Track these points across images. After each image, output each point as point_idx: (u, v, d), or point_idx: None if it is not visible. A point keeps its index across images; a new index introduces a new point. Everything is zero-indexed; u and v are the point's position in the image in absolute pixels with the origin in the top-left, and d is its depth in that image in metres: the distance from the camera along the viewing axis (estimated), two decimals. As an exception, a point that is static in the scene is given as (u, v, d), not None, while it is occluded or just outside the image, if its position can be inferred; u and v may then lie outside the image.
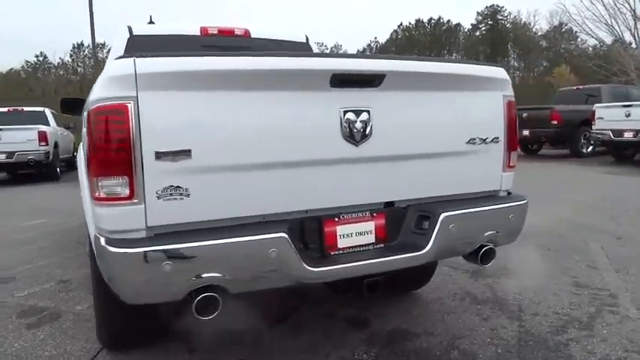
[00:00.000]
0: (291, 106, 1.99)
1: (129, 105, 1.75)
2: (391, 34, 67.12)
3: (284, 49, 4.01)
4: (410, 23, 66.50)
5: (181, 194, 1.84)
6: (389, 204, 2.30)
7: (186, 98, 1.82)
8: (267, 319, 3.08)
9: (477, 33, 65.07)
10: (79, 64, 56.19)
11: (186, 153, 1.82)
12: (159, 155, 1.79)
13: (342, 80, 2.03)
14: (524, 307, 3.29)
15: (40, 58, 54.30)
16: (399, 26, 66.79)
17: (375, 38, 71.64)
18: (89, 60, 50.14)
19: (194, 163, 1.83)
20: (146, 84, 1.77)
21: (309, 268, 1.96)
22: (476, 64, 2.43)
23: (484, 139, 2.40)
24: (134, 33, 3.69)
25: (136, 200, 1.79)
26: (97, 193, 1.81)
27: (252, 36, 4.03)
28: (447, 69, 2.30)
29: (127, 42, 3.65)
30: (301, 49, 4.19)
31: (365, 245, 2.22)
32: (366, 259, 2.13)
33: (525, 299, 3.41)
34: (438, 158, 2.32)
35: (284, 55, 1.97)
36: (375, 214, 2.24)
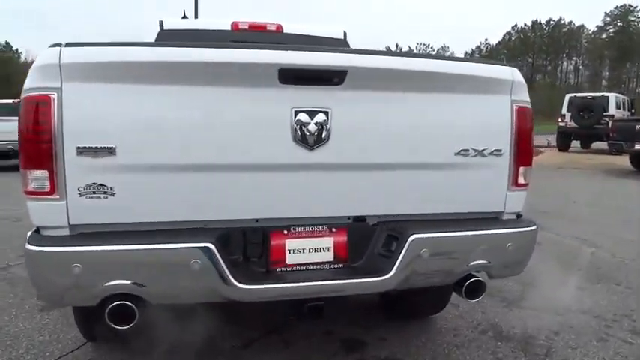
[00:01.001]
0: (233, 103, 1.80)
1: (52, 96, 1.68)
2: (504, 35, 63.69)
3: (317, 43, 3.80)
4: (525, 25, 62.58)
5: (105, 193, 1.74)
6: (359, 219, 2.02)
7: (114, 92, 1.71)
8: (257, 328, 2.92)
9: (604, 36, 59.39)
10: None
11: (109, 150, 1.71)
12: (80, 151, 1.69)
13: (296, 77, 1.80)
14: (553, 351, 2.78)
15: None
16: (513, 27, 63.13)
17: (486, 40, 68.46)
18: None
19: (118, 161, 1.72)
20: (71, 75, 1.68)
21: (238, 285, 1.75)
22: (477, 61, 2.05)
23: (480, 151, 2.02)
24: (164, 28, 3.70)
25: (57, 196, 1.72)
26: (25, 186, 1.76)
27: (285, 31, 3.87)
28: (432, 67, 1.95)
29: (157, 37, 3.68)
30: (336, 44, 3.94)
31: (320, 263, 1.97)
32: (315, 280, 1.88)
33: (560, 341, 2.89)
34: (417, 170, 1.99)
35: (222, 46, 1.78)
36: (334, 230, 1.98)
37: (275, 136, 1.81)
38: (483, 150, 2.03)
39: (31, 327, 3.01)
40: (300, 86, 1.82)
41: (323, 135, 1.84)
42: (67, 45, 1.69)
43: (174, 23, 3.72)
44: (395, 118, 1.94)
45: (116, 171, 1.73)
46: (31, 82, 1.70)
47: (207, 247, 1.72)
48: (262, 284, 1.81)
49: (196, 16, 15.37)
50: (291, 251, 1.93)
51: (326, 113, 1.84)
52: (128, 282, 1.70)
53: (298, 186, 1.88)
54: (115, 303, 1.70)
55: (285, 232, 1.93)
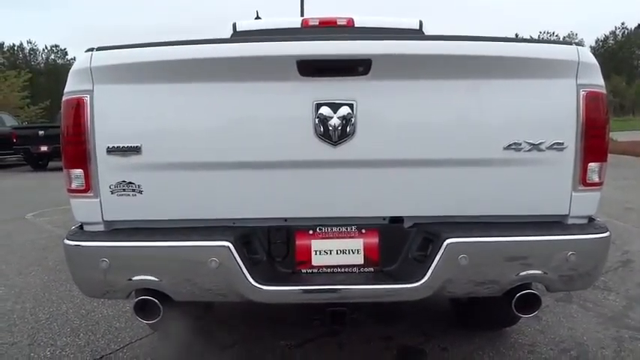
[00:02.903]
0: (252, 98, 1.75)
1: (85, 99, 1.77)
2: (645, 17, 56.54)
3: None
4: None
5: (134, 190, 1.79)
6: (395, 220, 1.87)
7: (137, 92, 1.76)
8: (315, 329, 2.86)
9: None
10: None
11: (135, 149, 1.75)
12: (110, 150, 1.76)
13: (317, 68, 1.70)
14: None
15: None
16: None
17: (623, 24, 61.39)
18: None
19: (144, 159, 1.76)
20: (101, 77, 1.75)
21: (257, 285, 1.70)
22: (530, 41, 1.78)
23: (536, 145, 1.75)
24: (237, 29, 3.79)
25: (91, 194, 1.81)
26: (67, 185, 1.88)
27: (356, 25, 3.75)
28: (469, 50, 1.72)
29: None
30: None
31: (349, 266, 1.84)
32: (340, 284, 1.76)
33: (663, 371, 2.43)
34: (458, 167, 1.78)
35: (238, 41, 1.74)
36: (364, 231, 1.84)
37: (296, 132, 1.73)
38: (540, 143, 1.75)
39: (112, 314, 3.25)
40: (322, 78, 1.72)
41: (348, 129, 1.72)
42: (98, 49, 1.77)
43: (246, 25, 3.79)
44: (429, 110, 1.75)
45: (143, 169, 1.77)
46: (68, 86, 1.80)
47: (225, 246, 1.69)
48: (282, 286, 1.74)
49: (302, 14, 15.73)
50: (318, 252, 1.84)
51: (350, 106, 1.72)
52: (152, 278, 1.73)
53: (322, 184, 1.78)
54: (140, 297, 1.75)
55: (311, 232, 1.84)
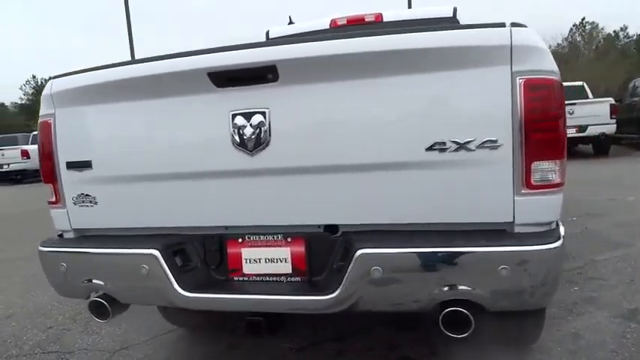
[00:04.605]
0: (178, 113, 1.82)
1: (50, 121, 2.00)
2: None
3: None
4: None
5: (90, 202, 1.98)
6: (330, 228, 1.80)
7: (85, 112, 1.94)
8: (321, 334, 2.85)
9: None
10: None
11: (87, 164, 1.94)
12: (69, 165, 1.98)
13: (229, 79, 1.72)
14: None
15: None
16: None
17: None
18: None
19: (94, 173, 1.94)
20: (60, 102, 1.97)
21: (181, 292, 1.78)
22: (451, 28, 1.59)
23: (463, 144, 1.56)
24: (270, 36, 3.88)
25: (60, 205, 2.04)
26: (47, 197, 2.14)
27: (385, 20, 3.62)
28: (378, 45, 1.59)
29: (264, 46, 3.88)
30: (444, 24, 3.47)
31: (277, 275, 1.82)
32: (260, 293, 1.76)
33: None
34: (381, 172, 1.66)
35: (150, 60, 1.80)
36: (290, 240, 1.80)
37: (216, 143, 1.77)
38: (468, 142, 1.56)
39: (151, 307, 3.55)
40: (236, 88, 1.73)
41: (262, 138, 1.71)
42: (56, 77, 1.99)
43: (278, 31, 3.87)
44: (342, 113, 1.66)
45: (95, 182, 1.95)
46: (41, 111, 2.05)
47: (152, 254, 1.79)
48: (204, 294, 1.79)
49: (410, 6, 15.37)
50: (248, 260, 1.85)
51: (263, 114, 1.70)
52: (99, 282, 1.90)
53: (245, 193, 1.79)
54: (92, 299, 1.93)
55: (241, 240, 1.85)
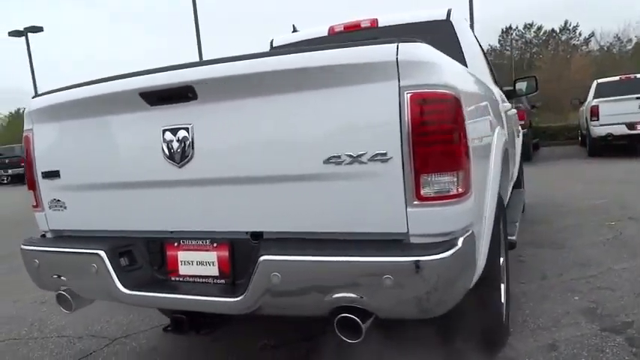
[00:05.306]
0: (121, 128, 2.04)
1: (30, 135, 2.29)
2: None
3: (415, 31, 3.42)
4: None
5: (61, 206, 2.25)
6: (255, 235, 1.93)
7: (54, 127, 2.21)
8: (303, 333, 2.96)
9: None
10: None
11: (56, 173, 2.21)
12: (43, 175, 2.26)
13: (159, 97, 1.90)
14: None
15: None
16: None
17: None
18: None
19: (62, 181, 2.21)
20: (37, 118, 2.26)
21: (122, 289, 1.99)
22: (344, 47, 1.64)
23: (356, 157, 1.63)
24: (274, 45, 4.03)
25: (40, 208, 2.33)
26: (31, 202, 2.44)
27: (380, 25, 3.64)
28: (279, 65, 1.69)
29: (269, 55, 4.03)
30: (437, 27, 3.42)
31: (206, 277, 1.98)
32: (190, 293, 1.93)
33: None
34: (287, 183, 1.77)
35: (97, 82, 2.01)
36: (216, 245, 1.95)
37: (151, 155, 1.95)
38: (360, 155, 1.62)
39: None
40: (166, 106, 1.91)
41: (187, 151, 1.87)
42: (34, 96, 2.27)
43: (282, 40, 4.01)
44: (250, 127, 1.78)
45: (64, 189, 2.22)
46: (24, 126, 2.36)
47: (99, 254, 2.01)
48: (142, 292, 1.98)
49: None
50: (183, 262, 2.02)
51: (187, 129, 1.86)
52: (62, 277, 2.16)
53: (177, 201, 1.96)
54: (59, 292, 2.19)
55: (176, 244, 2.03)
